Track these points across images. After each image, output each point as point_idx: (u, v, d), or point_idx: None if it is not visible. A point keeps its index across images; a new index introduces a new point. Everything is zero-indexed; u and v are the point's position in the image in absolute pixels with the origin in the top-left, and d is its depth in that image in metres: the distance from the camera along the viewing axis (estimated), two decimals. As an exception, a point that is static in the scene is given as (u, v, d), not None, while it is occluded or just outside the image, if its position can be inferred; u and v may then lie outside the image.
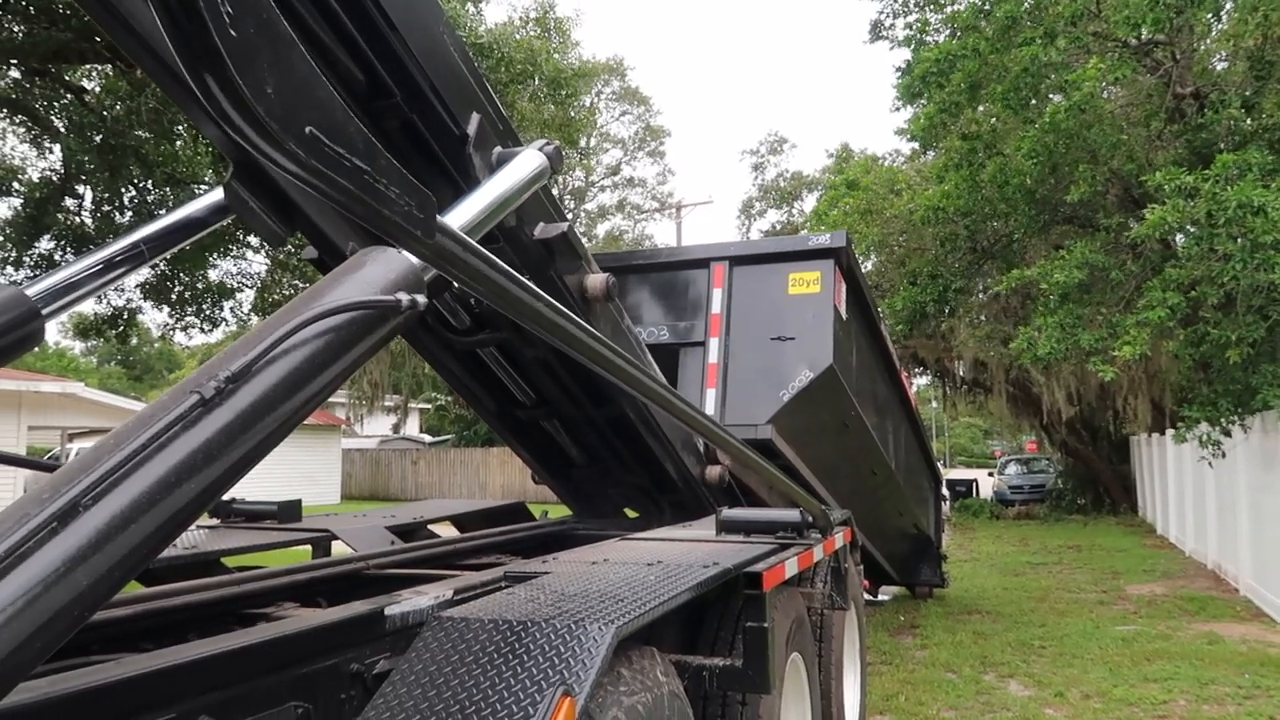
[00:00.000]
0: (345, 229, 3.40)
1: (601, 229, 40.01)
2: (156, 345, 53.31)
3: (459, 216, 2.11)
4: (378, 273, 1.81)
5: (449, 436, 38.22)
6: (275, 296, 12.73)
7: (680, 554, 3.08)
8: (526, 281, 1.59)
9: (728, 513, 3.65)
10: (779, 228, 29.71)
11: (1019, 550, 15.66)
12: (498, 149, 3.06)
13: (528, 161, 2.89)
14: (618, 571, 2.72)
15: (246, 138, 0.96)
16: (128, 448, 1.41)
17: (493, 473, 31.15)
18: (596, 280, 3.88)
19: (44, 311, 2.58)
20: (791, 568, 3.14)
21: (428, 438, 39.98)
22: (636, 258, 7.26)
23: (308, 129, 1.02)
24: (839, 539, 4.16)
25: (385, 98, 2.97)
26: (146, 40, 2.57)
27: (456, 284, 1.50)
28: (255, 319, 13.28)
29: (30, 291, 2.53)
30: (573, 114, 12.70)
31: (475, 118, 3.01)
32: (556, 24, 11.27)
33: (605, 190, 40.48)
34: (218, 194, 3.10)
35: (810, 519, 3.63)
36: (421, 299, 1.76)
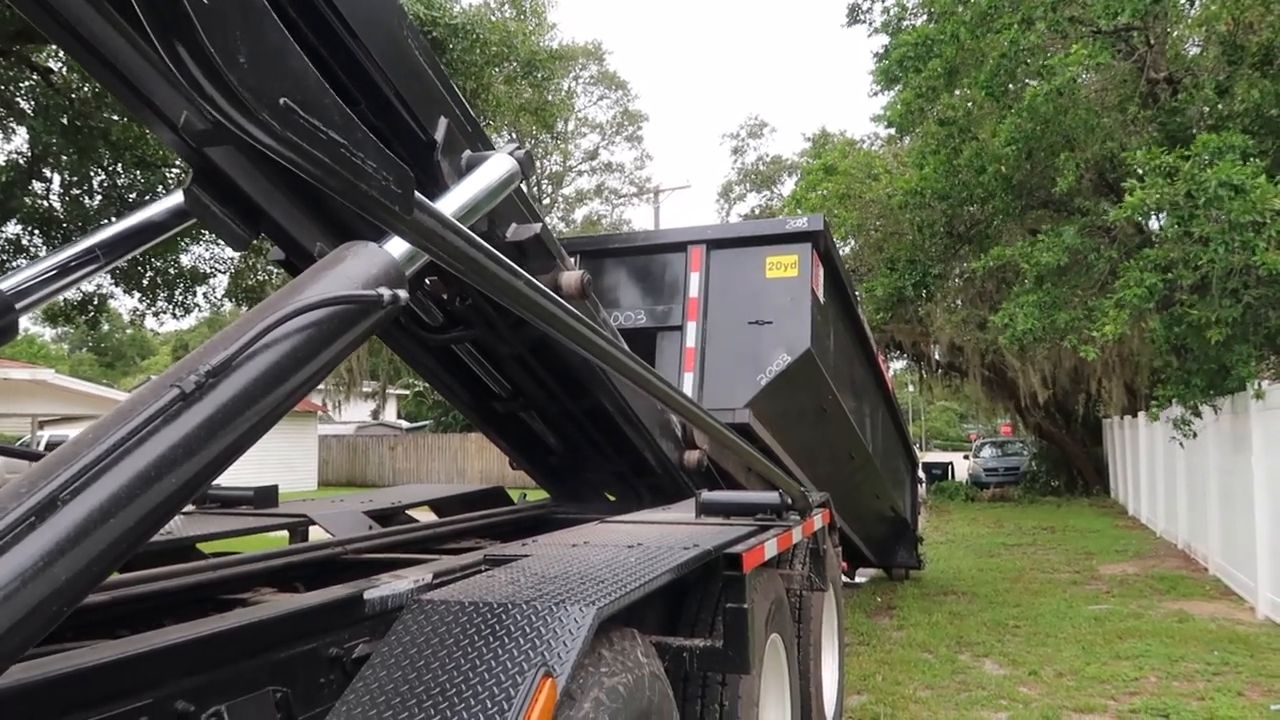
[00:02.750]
0: (313, 230, 3.33)
1: (579, 214, 39.91)
2: (128, 331, 52.70)
3: (401, 242, 2.08)
4: (359, 267, 1.79)
5: (427, 422, 38.09)
6: (249, 281, 12.59)
7: (660, 536, 3.08)
8: (506, 260, 1.58)
9: (707, 495, 3.65)
10: (758, 212, 29.76)
11: (994, 532, 15.83)
12: (467, 153, 3.00)
13: (497, 166, 2.85)
14: (598, 554, 2.71)
15: (218, 108, 0.94)
16: (106, 442, 1.39)
17: (471, 458, 31.08)
18: (571, 278, 3.84)
19: (17, 306, 2.55)
20: (771, 549, 3.15)
21: (405, 423, 39.81)
22: (613, 241, 7.24)
23: (281, 100, 1.00)
24: (818, 521, 4.18)
25: (348, 105, 2.91)
26: (93, 45, 2.50)
27: (437, 262, 1.48)
28: (229, 305, 13.14)
29: (2, 286, 2.50)
30: (549, 97, 12.60)
31: (443, 122, 2.94)
32: (532, 6, 11.16)
33: (583, 175, 40.37)
34: (177, 197, 3.03)
35: (789, 501, 3.64)
36: (403, 294, 1.75)
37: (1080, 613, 8.57)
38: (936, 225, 13.86)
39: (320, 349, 1.68)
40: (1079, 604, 9.02)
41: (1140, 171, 9.10)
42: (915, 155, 14.27)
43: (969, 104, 12.88)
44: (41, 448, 22.65)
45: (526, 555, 2.73)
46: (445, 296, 3.95)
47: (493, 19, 10.11)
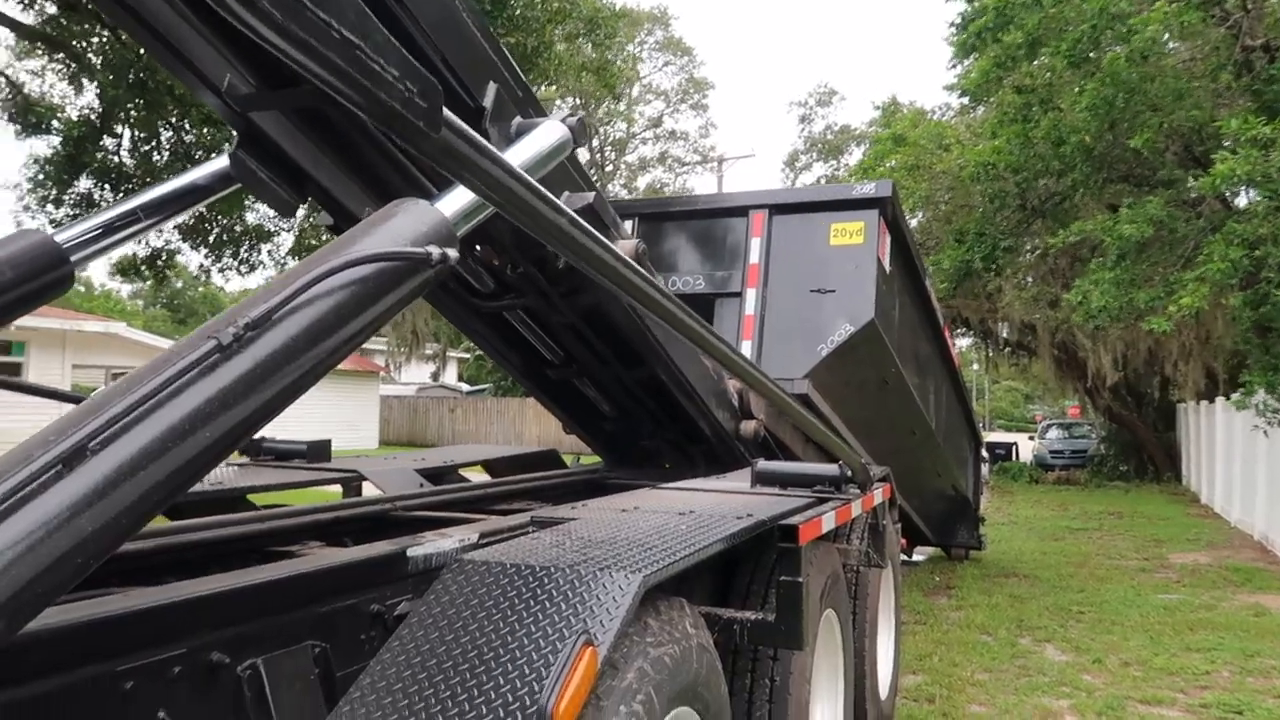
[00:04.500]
0: (361, 195, 3.26)
1: (642, 181, 39.66)
2: (200, 289, 54.09)
3: (453, 201, 1.97)
4: (408, 224, 1.72)
5: (486, 386, 38.46)
6: (313, 241, 12.70)
7: (713, 504, 2.98)
8: (547, 193, 1.47)
9: (763, 465, 3.54)
10: (824, 182, 29.22)
11: (1058, 515, 15.42)
12: (517, 119, 2.90)
13: (548, 133, 2.74)
14: (648, 520, 2.62)
15: (225, 6, 0.84)
16: (139, 392, 1.34)
17: (529, 423, 31.32)
18: (626, 246, 3.72)
19: (73, 259, 2.54)
20: (828, 522, 3.03)
21: (465, 386, 40.28)
22: (673, 204, 7.09)
23: None
24: (878, 496, 4.03)
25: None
26: (130, 4, 2.44)
27: (471, 190, 1.38)
28: (293, 262, 13.30)
29: (59, 238, 2.49)
30: (610, 57, 12.36)
31: (492, 88, 2.83)
32: (595, -37, 10.94)
33: (646, 142, 40.04)
34: (222, 161, 2.99)
35: (849, 474, 3.50)
36: (453, 253, 1.67)
37: (1148, 601, 8.27)
38: (1009, 198, 13.38)
39: (365, 307, 1.62)
40: (1147, 592, 8.71)
41: (1231, 142, 8.60)
42: (990, 125, 13.76)
43: (1048, 73, 12.36)
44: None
45: (574, 518, 2.66)
46: (496, 263, 3.86)
47: (554, -25, 9.96)
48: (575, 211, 3.38)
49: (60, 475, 1.26)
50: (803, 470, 3.51)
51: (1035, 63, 11.97)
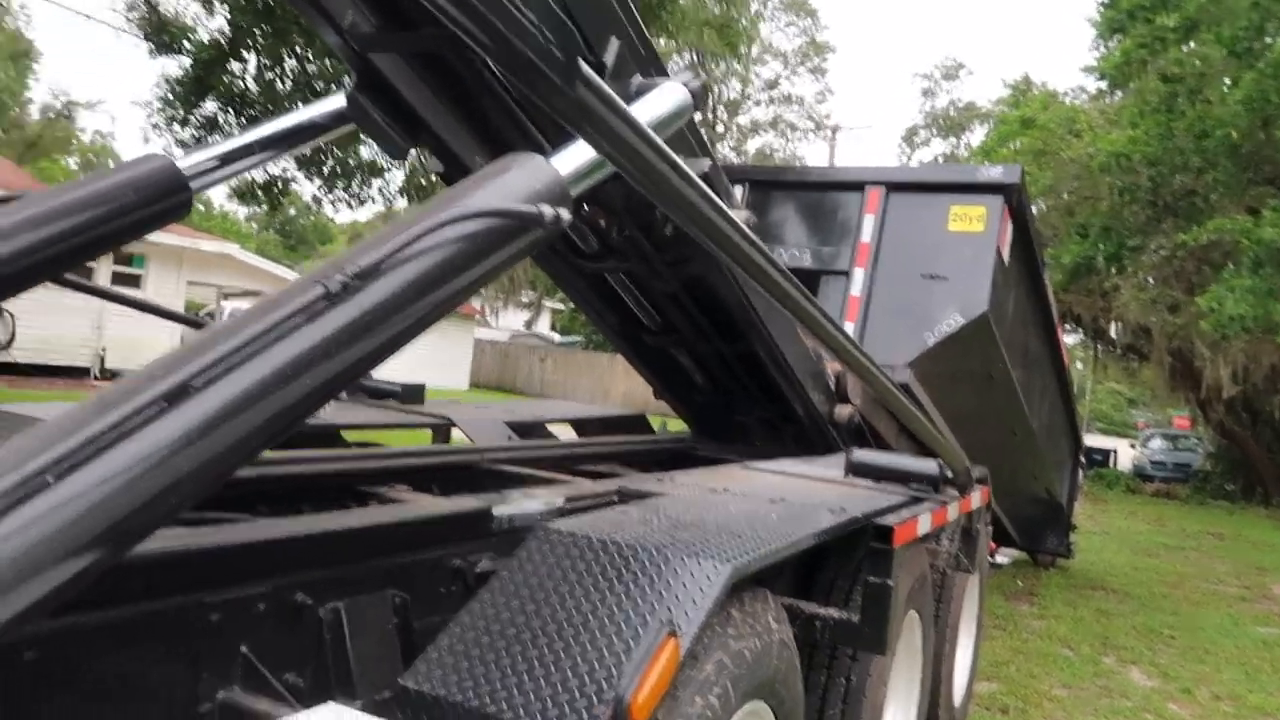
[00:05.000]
0: (473, 144, 3.22)
1: (752, 145, 39.02)
2: (311, 218, 55.71)
3: (570, 159, 1.89)
4: (521, 180, 1.66)
5: (578, 338, 38.77)
6: (422, 181, 12.87)
7: (805, 493, 2.89)
8: (677, 160, 1.38)
9: (859, 454, 3.41)
10: (942, 160, 28.26)
11: (1154, 529, 14.78)
12: (637, 78, 2.78)
13: (669, 95, 2.62)
14: (738, 504, 2.55)
15: None
16: (245, 333, 1.32)
17: (617, 379, 31.46)
18: (737, 217, 3.60)
19: (192, 185, 2.59)
20: (924, 524, 2.90)
21: (557, 337, 40.68)
22: (786, 174, 6.91)
23: None
24: (975, 499, 3.87)
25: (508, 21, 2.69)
26: None
27: (596, 150, 1.30)
28: (401, 200, 13.52)
29: (180, 164, 2.53)
30: (734, 14, 12.02)
31: (614, 43, 2.71)
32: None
33: (760, 105, 39.31)
34: (338, 100, 2.99)
35: (949, 473, 3.35)
36: (566, 214, 1.61)
37: (1247, 632, 7.85)
38: (1140, 192, 12.65)
39: (472, 262, 1.58)
40: (1246, 623, 8.27)
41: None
42: (1128, 113, 13.00)
43: (1196, 61, 11.57)
44: (224, 318, 24.38)
45: (662, 494, 2.60)
46: (603, 224, 3.79)
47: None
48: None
49: (163, 411, 1.25)
50: (900, 465, 3.37)
51: (1186, 49, 11.22)
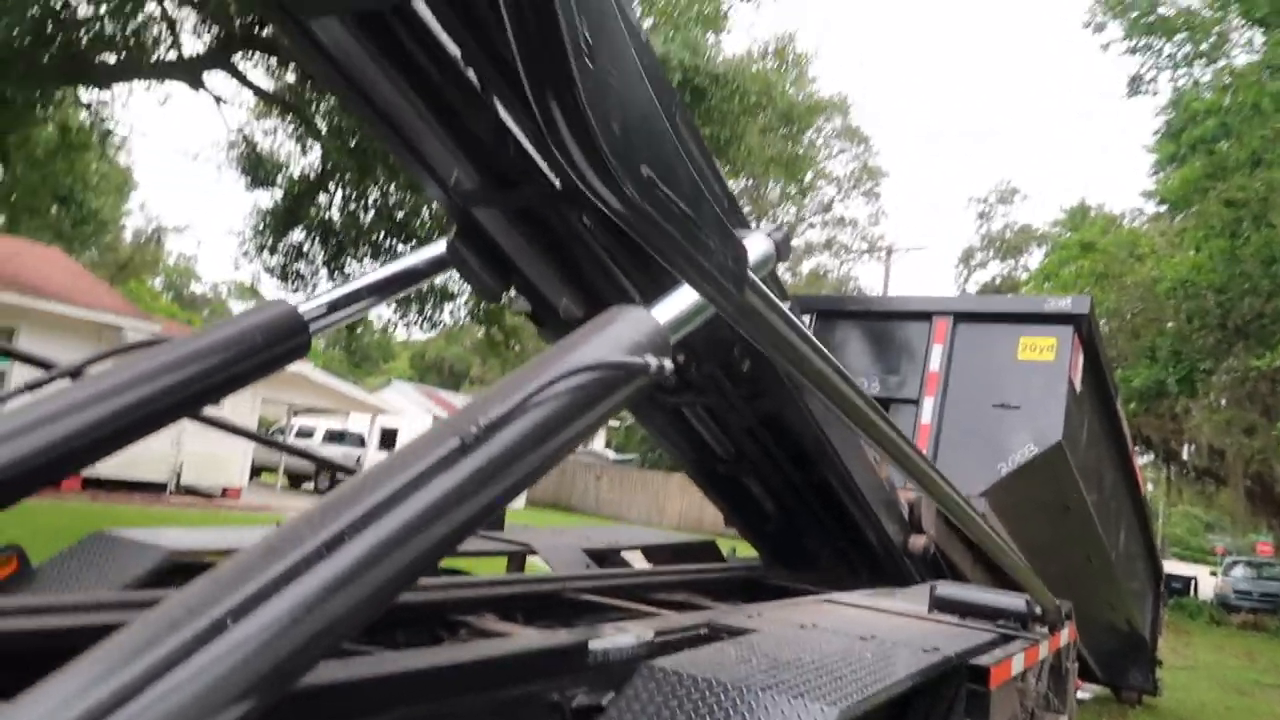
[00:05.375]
0: (559, 286, 3.41)
1: (806, 266, 39.56)
2: (376, 335, 57.32)
3: (670, 307, 2.03)
4: (626, 333, 1.79)
5: (633, 456, 38.79)
6: (489, 305, 13.33)
7: (894, 629, 2.88)
8: (826, 351, 1.50)
9: (943, 589, 3.39)
10: (999, 281, 28.33)
11: (1244, 665, 14.00)
12: None
13: (755, 247, 2.76)
14: (830, 642, 2.56)
15: (580, 172, 0.91)
16: (391, 483, 1.44)
17: (672, 498, 31.29)
18: None
19: (310, 329, 2.77)
20: (1018, 664, 2.87)
21: (612, 454, 40.73)
22: (851, 303, 7.04)
23: (644, 169, 0.97)
24: (1064, 636, 3.79)
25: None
26: (379, 106, 2.66)
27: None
28: (468, 321, 13.93)
29: (301, 309, 2.73)
30: (799, 150, 12.52)
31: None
32: (795, 58, 11.16)
33: (814, 227, 40.04)
34: (438, 248, 3.17)
35: (1037, 610, 3.31)
36: (669, 364, 1.72)
37: (1355, 782, 7.34)
38: (1209, 317, 12.55)
39: (585, 411, 1.69)
40: (1353, 771, 7.74)
41: None
42: (1193, 236, 13.02)
43: (1259, 184, 11.61)
44: (292, 437, 25.11)
45: (754, 630, 2.62)
46: (682, 359, 3.92)
47: (754, 69, 10.20)
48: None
49: (322, 558, 1.36)
50: (987, 601, 3.34)
51: (1252, 174, 11.30)
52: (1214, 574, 27.37)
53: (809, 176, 33.61)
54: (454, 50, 2.55)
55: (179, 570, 2.77)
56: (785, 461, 4.46)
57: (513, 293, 3.83)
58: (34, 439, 2.06)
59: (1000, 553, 3.25)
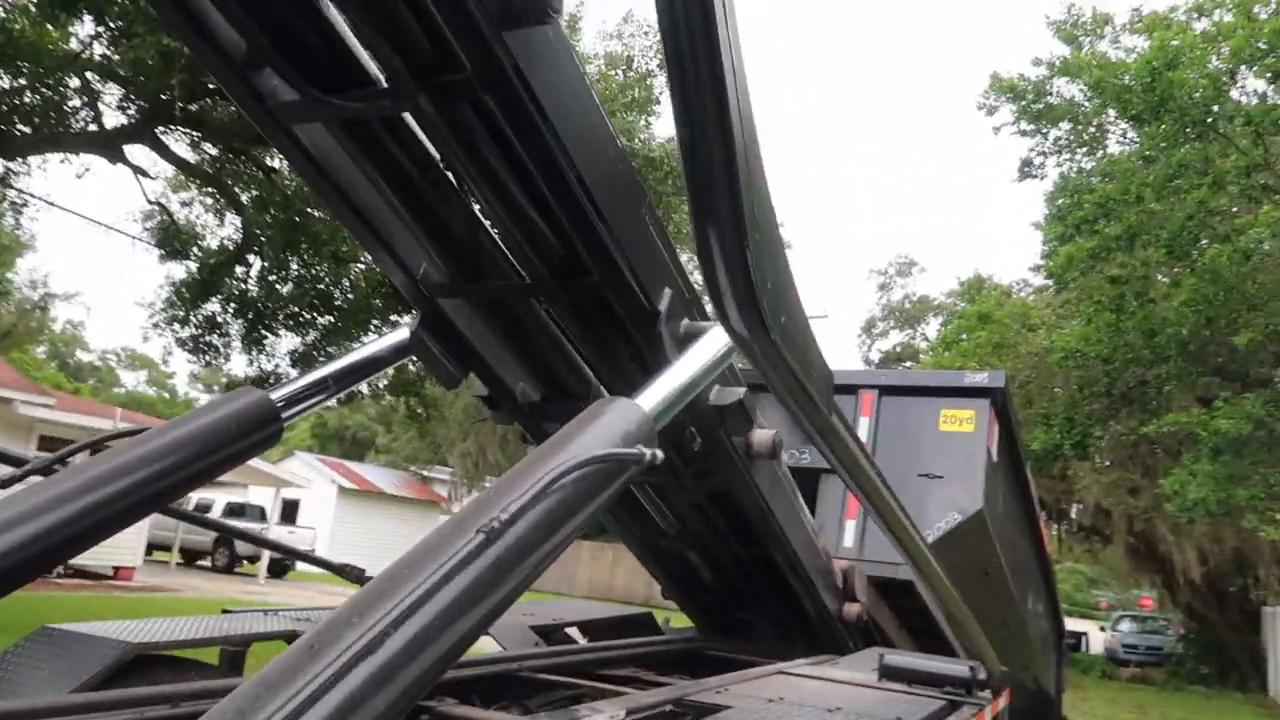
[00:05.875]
0: (517, 372, 3.47)
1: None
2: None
3: (651, 397, 2.13)
4: (618, 425, 1.89)
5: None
6: (406, 374, 13.18)
7: (853, 700, 2.98)
8: (867, 452, 1.61)
9: (890, 658, 3.51)
10: (899, 349, 29.43)
11: (1137, 718, 14.57)
12: (685, 321, 3.07)
13: (715, 340, 2.88)
14: (799, 714, 2.65)
15: (729, 319, 1.01)
16: (425, 580, 1.49)
17: (583, 565, 30.97)
18: (764, 436, 3.78)
19: (282, 416, 2.77)
20: (970, 731, 3.00)
21: (521, 522, 40.00)
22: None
23: (783, 318, 1.08)
24: (1002, 701, 3.96)
25: (583, 275, 2.90)
26: (353, 202, 2.73)
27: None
28: (389, 397, 13.72)
29: (273, 396, 2.72)
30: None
31: (667, 292, 2.96)
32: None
33: (720, 296, 40.80)
34: (400, 335, 3.21)
35: (980, 675, 3.46)
36: (659, 454, 1.83)
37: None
38: (1098, 386, 13.37)
39: (588, 501, 1.79)
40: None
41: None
42: (1082, 310, 13.91)
43: (1137, 263, 12.53)
44: (218, 513, 23.96)
45: (726, 706, 2.69)
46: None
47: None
48: (725, 405, 3.52)
49: (363, 656, 1.40)
50: (934, 668, 3.48)
51: (1130, 253, 12.20)
52: (1103, 629, 28.43)
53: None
54: (434, 153, 2.62)
55: (140, 664, 2.70)
56: (729, 535, 4.55)
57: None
58: (10, 537, 2.01)
59: (964, 619, 3.40)
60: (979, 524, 5.54)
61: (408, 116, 2.50)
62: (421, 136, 2.56)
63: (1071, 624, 32.55)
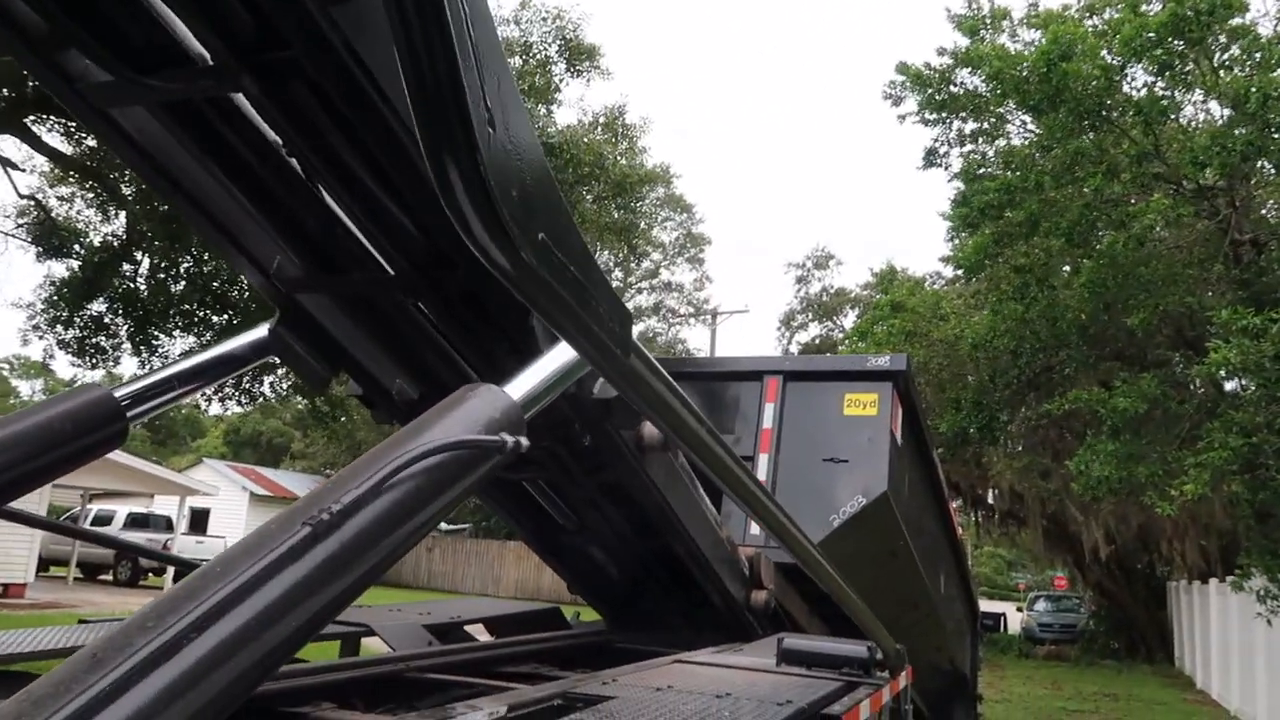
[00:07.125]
0: (392, 369, 3.31)
1: (635, 330, 40.21)
2: (183, 411, 53.68)
3: (521, 386, 2.02)
4: (481, 411, 1.76)
5: (466, 526, 37.83)
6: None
7: (747, 685, 2.91)
8: (704, 418, 1.52)
9: (790, 641, 3.46)
10: (818, 341, 29.82)
11: (1052, 694, 15.01)
12: None
13: None
14: (687, 702, 2.55)
15: (476, 239, 0.89)
16: (237, 578, 1.34)
17: (508, 567, 30.68)
18: (654, 429, 3.74)
19: (128, 415, 2.55)
20: (865, 710, 2.95)
21: (444, 525, 39.58)
22: (685, 365, 7.20)
23: (540, 235, 0.96)
24: (903, 679, 3.94)
25: (448, 268, 2.82)
26: (186, 187, 2.52)
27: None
28: (289, 394, 13.31)
29: (117, 394, 2.51)
30: (634, 219, 12.88)
31: None
32: (624, 129, 11.53)
33: (642, 292, 40.96)
34: (260, 332, 3.00)
35: (878, 655, 3.43)
36: (524, 441, 1.71)
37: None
38: (1007, 375, 13.70)
39: (440, 492, 1.64)
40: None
41: (1222, 331, 8.93)
42: (989, 298, 14.25)
43: (1039, 251, 12.88)
44: (88, 522, 22.94)
45: (612, 696, 2.58)
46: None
47: (587, 140, 10.45)
48: (610, 399, 3.41)
49: (156, 664, 1.25)
50: (831, 650, 3.43)
51: (1032, 241, 12.53)
52: (1020, 609, 29.30)
53: (640, 244, 34.55)
54: (275, 139, 2.44)
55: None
56: (628, 529, 4.47)
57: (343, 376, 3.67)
58: None
59: (847, 600, 3.35)
60: (884, 506, 5.55)
61: (241, 99, 2.31)
62: (259, 121, 2.38)
63: (990, 606, 33.50)
